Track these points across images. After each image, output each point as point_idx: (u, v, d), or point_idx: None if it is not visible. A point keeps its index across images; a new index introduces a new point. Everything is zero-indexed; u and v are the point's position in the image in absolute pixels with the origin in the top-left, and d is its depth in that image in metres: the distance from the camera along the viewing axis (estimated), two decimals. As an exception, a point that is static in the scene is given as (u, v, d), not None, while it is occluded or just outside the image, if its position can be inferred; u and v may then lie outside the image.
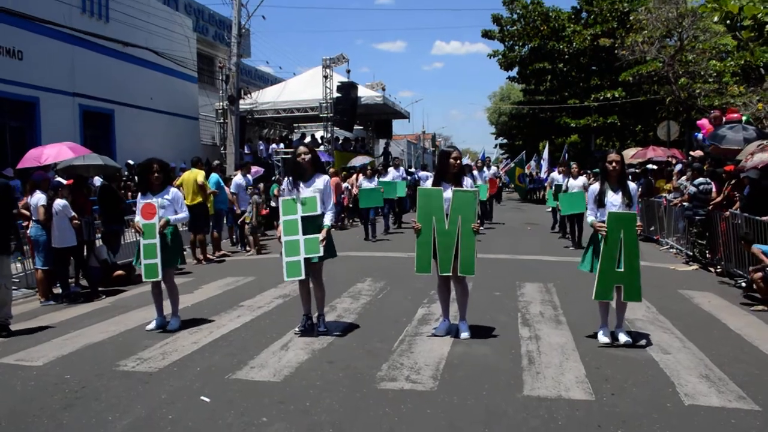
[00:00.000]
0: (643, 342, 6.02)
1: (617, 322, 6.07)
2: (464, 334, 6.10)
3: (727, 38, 21.24)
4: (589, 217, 6.11)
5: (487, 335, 6.25)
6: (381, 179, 16.04)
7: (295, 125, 32.29)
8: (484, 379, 4.98)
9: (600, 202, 6.01)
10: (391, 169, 17.97)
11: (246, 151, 23.41)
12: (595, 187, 6.16)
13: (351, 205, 18.34)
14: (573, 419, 4.20)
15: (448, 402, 4.50)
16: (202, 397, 4.63)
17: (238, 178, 13.52)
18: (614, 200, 5.96)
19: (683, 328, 6.54)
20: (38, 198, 8.42)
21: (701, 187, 10.45)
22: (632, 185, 6.09)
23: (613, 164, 6.02)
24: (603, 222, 5.87)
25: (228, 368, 5.29)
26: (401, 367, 5.28)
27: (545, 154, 28.07)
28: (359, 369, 5.24)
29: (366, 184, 15.29)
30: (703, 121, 13.96)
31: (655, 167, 16.75)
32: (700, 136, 13.91)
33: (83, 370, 5.34)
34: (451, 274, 6.01)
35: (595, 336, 6.07)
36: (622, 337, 5.95)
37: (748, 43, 20.90)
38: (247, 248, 13.14)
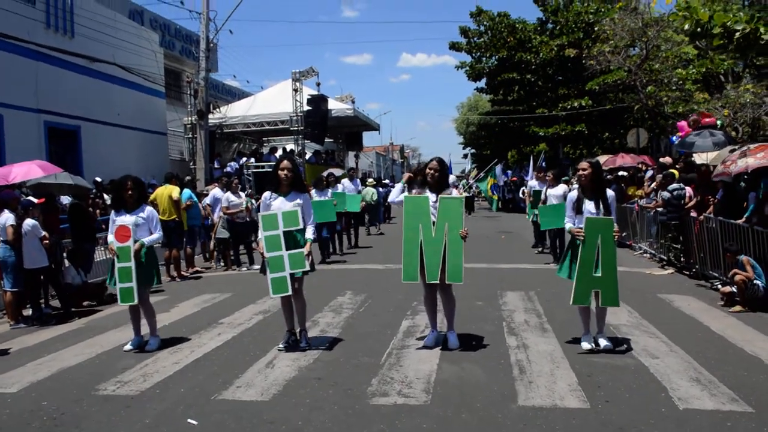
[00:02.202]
0: (623, 347, 6.03)
1: (598, 328, 6.06)
2: (453, 345, 6.03)
3: (688, 47, 21.72)
4: (567, 225, 6.12)
5: (476, 345, 6.19)
6: (333, 191, 14.11)
7: (264, 139, 32.04)
8: (476, 390, 4.91)
9: (578, 209, 6.05)
10: (344, 181, 16.44)
11: (216, 166, 23.10)
12: (573, 194, 6.21)
13: None
14: (571, 428, 4.15)
15: (443, 416, 4.41)
16: (189, 420, 4.46)
17: (216, 191, 13.26)
18: (591, 207, 5.98)
19: (668, 332, 6.57)
20: (6, 217, 8.12)
21: (675, 193, 10.58)
22: (610, 192, 6.11)
23: (580, 172, 6.11)
24: (581, 228, 5.88)
25: (213, 389, 5.13)
26: (392, 381, 5.18)
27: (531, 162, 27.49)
28: (349, 385, 5.13)
29: (316, 197, 13.04)
30: (682, 123, 14.20)
31: (625, 174, 16.96)
32: (675, 139, 14.11)
33: (61, 395, 5.12)
34: (438, 281, 5.94)
35: (578, 342, 6.06)
36: (603, 342, 5.94)
37: (708, 51, 21.45)
38: (222, 264, 12.90)
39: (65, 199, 12.39)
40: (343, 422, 4.36)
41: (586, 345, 5.95)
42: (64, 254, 9.97)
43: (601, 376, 5.20)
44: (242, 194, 12.98)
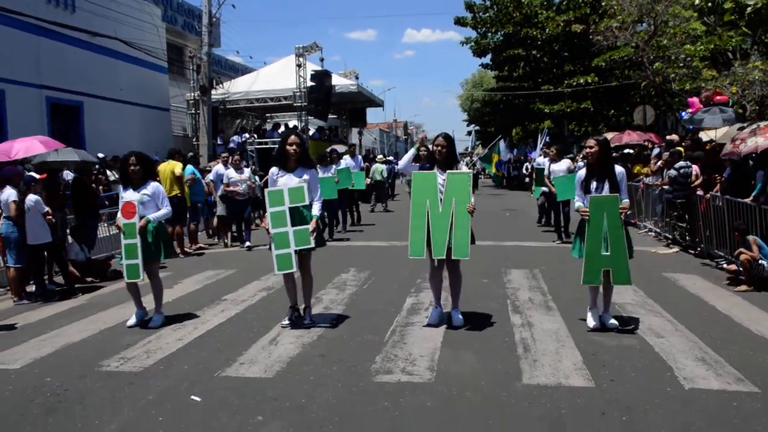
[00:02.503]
0: (632, 326, 5.99)
1: (604, 306, 6.02)
2: (457, 323, 6.01)
3: (696, 23, 21.40)
4: (577, 203, 6.06)
5: (480, 324, 6.16)
6: (337, 168, 13.77)
7: (267, 115, 31.87)
8: (481, 368, 4.89)
9: (586, 188, 5.97)
10: (346, 157, 16.00)
11: (219, 142, 22.98)
12: (581, 173, 6.12)
13: None
14: (576, 407, 4.13)
15: (447, 394, 4.39)
16: (192, 397, 4.45)
17: (218, 167, 13.18)
18: (599, 186, 5.90)
19: (673, 311, 6.53)
20: (9, 193, 8.08)
21: (682, 171, 10.48)
22: (619, 169, 5.99)
23: (587, 150, 6.03)
24: (587, 207, 5.82)
25: (217, 365, 5.12)
26: (396, 358, 5.16)
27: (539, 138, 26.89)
28: (353, 362, 5.11)
29: (321, 173, 12.68)
30: (693, 100, 14.04)
31: (631, 151, 16.84)
32: (685, 115, 13.95)
33: (64, 371, 5.12)
34: (444, 257, 5.89)
35: (583, 320, 6.03)
36: (609, 321, 5.91)
37: (716, 28, 21.11)
38: (225, 241, 12.88)
39: (68, 175, 12.36)
40: (347, 400, 4.35)
41: (593, 322, 5.91)
42: (68, 230, 9.97)
43: (607, 355, 5.17)
44: (246, 170, 12.67)
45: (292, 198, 5.96)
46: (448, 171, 5.92)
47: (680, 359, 5.03)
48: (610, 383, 4.53)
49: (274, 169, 6.24)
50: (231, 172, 12.27)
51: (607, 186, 5.87)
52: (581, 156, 22.94)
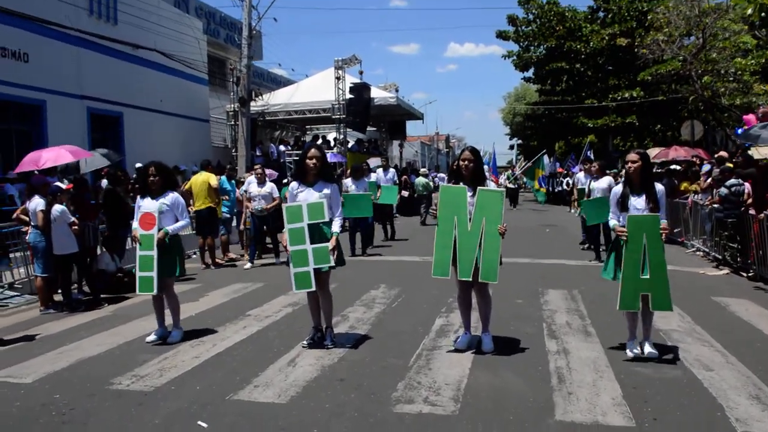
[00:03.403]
0: (671, 356, 5.53)
1: (644, 333, 5.58)
2: (487, 348, 5.62)
3: (746, 37, 20.63)
4: (611, 221, 5.66)
5: (512, 349, 5.78)
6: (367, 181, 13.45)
7: (307, 127, 31.95)
8: (510, 401, 4.51)
9: (623, 205, 5.56)
10: (379, 170, 15.62)
11: (257, 153, 23.04)
12: (618, 189, 5.70)
13: None
14: (614, 450, 3.73)
15: (472, 429, 4.04)
16: (199, 422, 4.19)
17: (252, 179, 13.01)
18: (637, 203, 5.49)
19: (723, 341, 6.03)
20: (37, 203, 8.05)
21: (733, 189, 9.90)
22: (659, 187, 5.57)
23: (630, 164, 5.57)
24: (624, 226, 5.42)
25: (230, 387, 4.86)
26: (419, 386, 4.82)
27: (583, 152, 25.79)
28: (373, 388, 4.79)
29: (353, 188, 12.61)
30: (750, 117, 13.45)
31: (678, 167, 16.19)
32: (740, 131, 13.39)
33: (74, 388, 4.93)
34: (470, 279, 5.53)
35: (624, 349, 5.59)
36: (647, 349, 5.48)
37: None
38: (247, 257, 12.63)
39: (105, 184, 12.38)
40: (363, 431, 4.03)
41: (630, 353, 5.49)
42: (100, 240, 9.93)
43: (649, 389, 4.74)
44: (270, 184, 11.73)
45: (311, 214, 5.68)
46: (479, 188, 5.57)
47: (732, 396, 4.56)
48: (653, 423, 4.10)
49: (294, 184, 6.00)
50: (252, 186, 11.55)
51: (645, 201, 5.45)
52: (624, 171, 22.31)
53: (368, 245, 12.86)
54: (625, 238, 5.36)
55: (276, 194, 11.52)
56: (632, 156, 5.62)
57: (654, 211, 5.41)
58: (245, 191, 12.04)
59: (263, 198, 11.39)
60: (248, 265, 11.37)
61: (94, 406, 4.54)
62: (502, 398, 4.56)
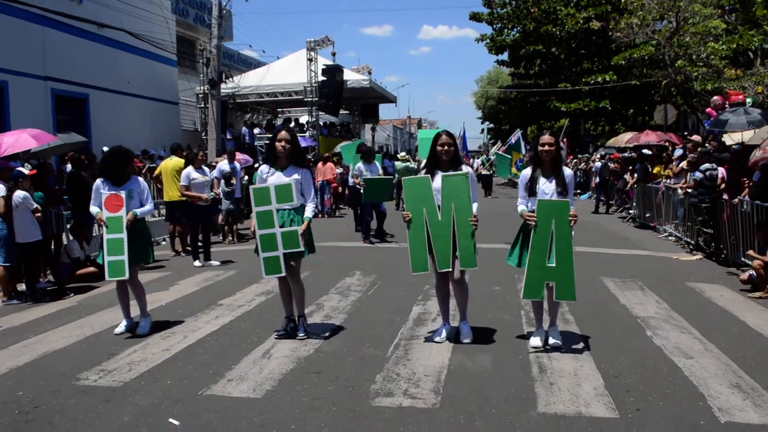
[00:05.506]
0: (581, 345, 5.45)
1: (550, 321, 5.49)
2: (466, 338, 5.52)
3: (716, 21, 20.77)
4: (520, 206, 5.45)
5: (491, 338, 5.69)
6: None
7: (279, 110, 31.48)
8: (491, 392, 4.41)
9: (531, 189, 5.36)
10: (359, 164, 14.31)
11: (228, 137, 22.61)
12: (527, 172, 5.46)
13: (347, 192, 16.11)
14: (599, 444, 3.66)
15: (454, 422, 3.94)
16: (170, 420, 4.02)
17: (222, 164, 12.74)
18: (546, 188, 5.30)
19: (701, 327, 6.03)
20: (-3, 189, 7.72)
21: (707, 173, 9.94)
22: (568, 171, 5.40)
23: (546, 147, 5.31)
24: (533, 212, 5.25)
25: (202, 382, 4.68)
26: (398, 378, 4.70)
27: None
28: (350, 381, 4.66)
29: (367, 172, 11.87)
30: (711, 110, 13.53)
31: (650, 152, 16.26)
32: (707, 125, 13.51)
33: (38, 384, 4.71)
34: (451, 269, 5.40)
35: (605, 336, 5.54)
36: (552, 340, 5.39)
37: (737, 27, 20.46)
38: (221, 237, 12.49)
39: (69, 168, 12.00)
40: (342, 426, 3.90)
41: (535, 341, 5.38)
42: (68, 227, 9.61)
43: (631, 377, 4.69)
44: (207, 170, 10.52)
45: (279, 196, 5.49)
46: (442, 174, 5.37)
47: (713, 385, 4.53)
48: (636, 413, 4.04)
49: (263, 167, 5.81)
50: (192, 172, 9.97)
51: (554, 186, 5.29)
52: (599, 156, 22.37)
53: (383, 231, 12.48)
54: (533, 223, 5.20)
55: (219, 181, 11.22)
56: (548, 138, 5.36)
57: (563, 196, 5.25)
58: (218, 176, 11.81)
59: (206, 187, 10.20)
60: (197, 263, 10.05)
61: (60, 404, 4.34)
62: (483, 390, 4.46)
